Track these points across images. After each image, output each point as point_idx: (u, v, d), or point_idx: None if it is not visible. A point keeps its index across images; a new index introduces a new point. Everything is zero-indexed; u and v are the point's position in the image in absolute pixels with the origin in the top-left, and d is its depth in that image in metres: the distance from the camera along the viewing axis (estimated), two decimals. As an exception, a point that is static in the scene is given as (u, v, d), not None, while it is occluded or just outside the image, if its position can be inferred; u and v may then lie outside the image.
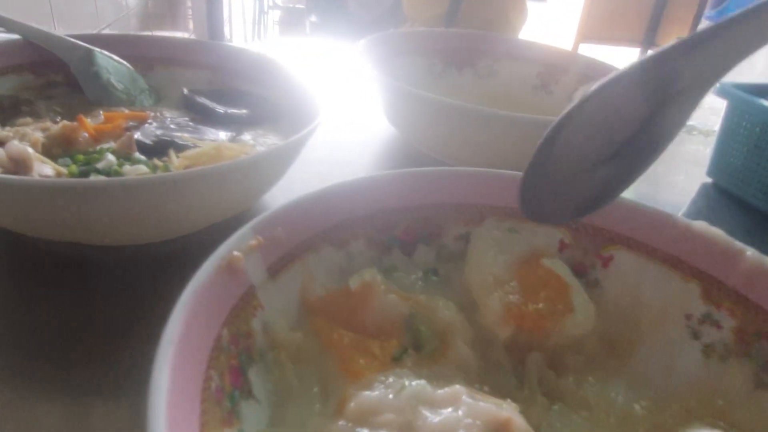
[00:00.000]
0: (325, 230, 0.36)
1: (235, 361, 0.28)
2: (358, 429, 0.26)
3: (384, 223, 0.39)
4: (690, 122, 0.93)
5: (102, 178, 0.38)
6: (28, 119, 0.49)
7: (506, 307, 0.35)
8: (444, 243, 0.40)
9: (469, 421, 0.25)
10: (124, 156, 0.43)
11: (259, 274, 0.32)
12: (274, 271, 0.33)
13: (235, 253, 0.30)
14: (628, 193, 0.39)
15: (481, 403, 0.26)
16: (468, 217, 0.40)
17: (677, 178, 0.78)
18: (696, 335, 0.36)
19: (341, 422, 0.26)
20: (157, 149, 0.46)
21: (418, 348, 0.32)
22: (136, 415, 0.33)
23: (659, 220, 0.38)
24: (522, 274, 0.37)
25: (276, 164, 0.43)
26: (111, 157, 0.42)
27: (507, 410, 0.26)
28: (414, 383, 0.27)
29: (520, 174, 0.42)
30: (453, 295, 0.37)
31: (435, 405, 0.26)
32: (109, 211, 0.36)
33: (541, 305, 0.35)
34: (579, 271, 0.39)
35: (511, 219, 0.40)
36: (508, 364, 0.34)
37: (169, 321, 0.25)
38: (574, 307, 0.36)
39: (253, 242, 0.31)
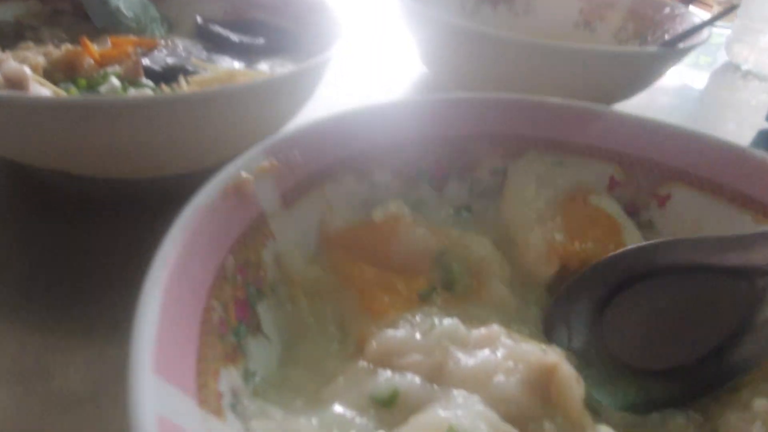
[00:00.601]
0: (346, 158, 0.32)
1: (242, 293, 0.25)
2: (380, 371, 0.22)
3: (412, 153, 0.35)
4: (746, 67, 0.86)
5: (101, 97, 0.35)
6: (30, 44, 0.45)
7: (550, 244, 0.31)
8: (478, 177, 0.36)
9: (510, 364, 0.21)
10: (129, 81, 0.40)
11: (271, 201, 0.28)
12: (289, 199, 0.29)
13: (244, 174, 0.26)
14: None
15: (523, 345, 0.22)
16: (506, 149, 0.36)
17: (730, 126, 0.72)
18: None
19: (361, 363, 0.23)
20: (167, 76, 0.43)
21: (448, 286, 0.29)
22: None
23: (728, 153, 0.33)
24: (567, 211, 0.33)
25: (294, 90, 0.39)
26: (115, 80, 0.38)
27: (553, 355, 0.22)
28: (445, 321, 0.24)
29: (566, 102, 0.37)
30: (487, 233, 0.33)
31: (469, 346, 0.23)
32: (109, 135, 0.33)
33: (589, 244, 0.31)
34: (630, 212, 0.35)
35: (555, 151, 0.36)
36: (550, 308, 0.30)
37: (164, 241, 0.22)
38: (626, 246, 0.32)
39: (266, 164, 0.28)
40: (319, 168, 0.31)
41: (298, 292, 0.27)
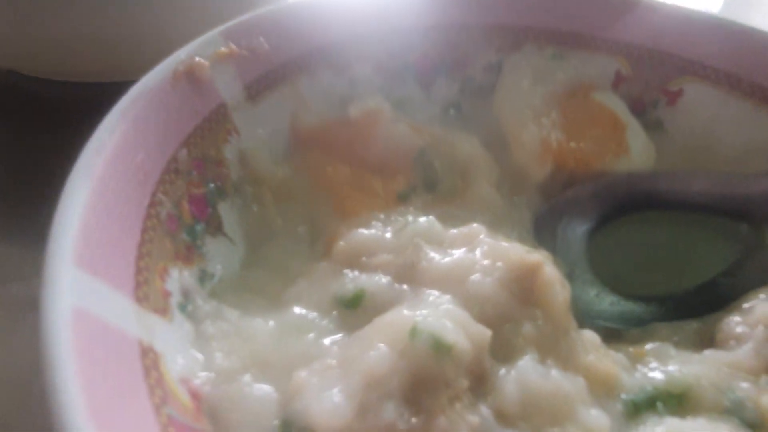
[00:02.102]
0: (322, 48, 0.29)
1: (199, 191, 0.23)
2: (346, 271, 0.21)
3: (396, 45, 0.31)
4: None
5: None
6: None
7: (544, 142, 0.28)
8: (470, 75, 0.33)
9: (487, 262, 0.19)
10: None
11: (233, 92, 0.25)
12: (254, 92, 0.26)
13: (198, 58, 0.24)
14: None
15: (504, 244, 0.20)
16: (501, 42, 0.32)
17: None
18: (782, 182, 0.28)
19: (326, 264, 0.21)
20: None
21: (430, 187, 0.26)
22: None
23: (748, 41, 0.30)
24: (566, 108, 0.30)
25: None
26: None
27: (536, 255, 0.20)
28: (421, 220, 0.22)
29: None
30: (477, 133, 0.30)
31: (445, 244, 0.21)
32: (59, 24, 0.30)
33: (587, 143, 0.29)
34: (637, 110, 0.32)
35: (555, 43, 0.32)
36: (542, 211, 0.28)
37: (99, 126, 0.19)
38: (629, 148, 0.29)
39: (224, 50, 0.25)
40: (290, 58, 0.28)
41: (266, 193, 0.25)
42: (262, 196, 0.25)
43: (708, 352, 0.20)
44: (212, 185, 0.23)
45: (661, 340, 0.22)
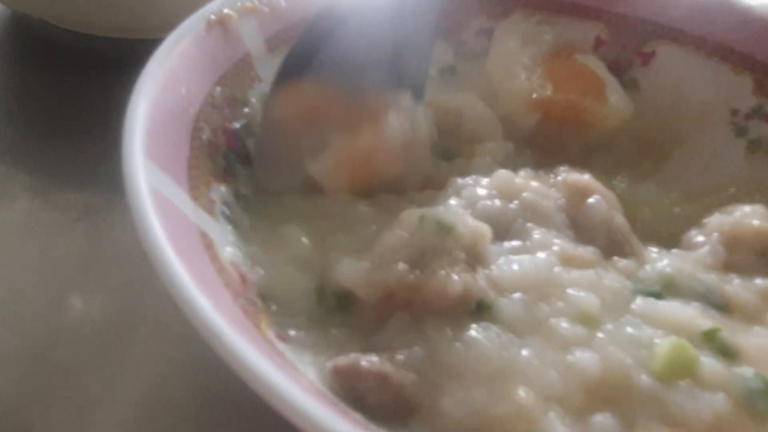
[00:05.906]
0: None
1: (230, 125, 0.26)
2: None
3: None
4: None
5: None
6: None
7: (531, 93, 0.31)
8: (464, 39, 0.36)
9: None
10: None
11: (256, 44, 0.28)
12: (274, 45, 0.29)
13: (227, 10, 0.27)
14: None
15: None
16: (492, 10, 0.36)
17: None
18: (741, 132, 0.32)
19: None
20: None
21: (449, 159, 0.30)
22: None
23: (712, 6, 0.33)
24: (551, 66, 0.33)
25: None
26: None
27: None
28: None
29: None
30: (470, 91, 0.33)
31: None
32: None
33: (571, 95, 0.32)
34: (615, 71, 0.35)
35: (541, 11, 0.36)
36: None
37: (150, 61, 0.22)
38: (608, 100, 0.33)
39: (249, 4, 0.28)
40: (303, 18, 0.31)
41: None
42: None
43: (675, 251, 0.24)
44: (241, 123, 0.26)
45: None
